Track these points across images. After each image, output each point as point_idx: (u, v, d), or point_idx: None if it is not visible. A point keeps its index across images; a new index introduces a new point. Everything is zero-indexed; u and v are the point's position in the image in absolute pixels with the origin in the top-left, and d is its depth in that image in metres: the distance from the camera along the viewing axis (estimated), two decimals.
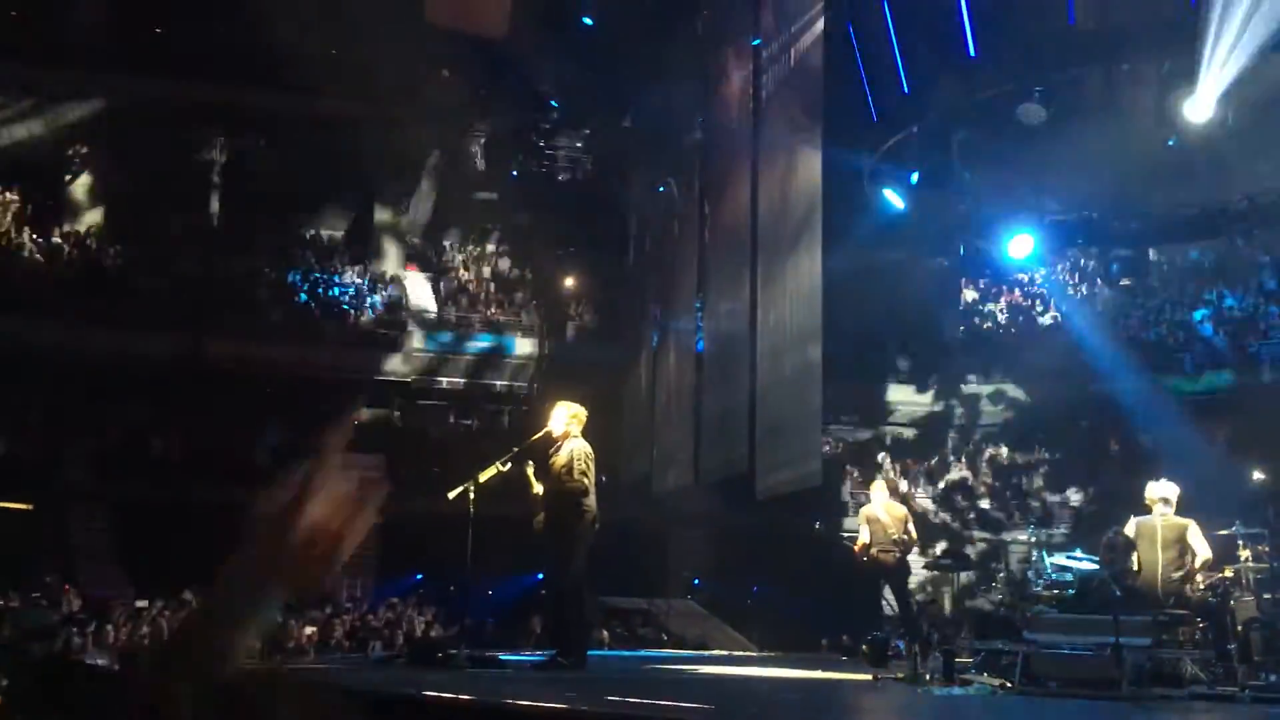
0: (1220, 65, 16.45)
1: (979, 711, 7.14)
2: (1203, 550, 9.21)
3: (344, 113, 22.78)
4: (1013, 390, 24.50)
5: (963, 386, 25.05)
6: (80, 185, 24.09)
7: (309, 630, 15.22)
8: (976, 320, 26.46)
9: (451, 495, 8.90)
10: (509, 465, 8.74)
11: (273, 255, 24.32)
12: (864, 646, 11.22)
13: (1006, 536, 21.25)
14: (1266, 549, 9.88)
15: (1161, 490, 9.54)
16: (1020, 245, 19.99)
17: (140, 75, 22.39)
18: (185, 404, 21.12)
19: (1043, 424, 24.17)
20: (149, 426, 20.95)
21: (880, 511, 11.70)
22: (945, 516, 22.54)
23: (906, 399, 25.30)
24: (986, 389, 24.80)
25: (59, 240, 22.66)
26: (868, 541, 11.54)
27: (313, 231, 25.82)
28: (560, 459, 8.83)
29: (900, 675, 9.76)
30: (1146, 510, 9.54)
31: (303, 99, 22.33)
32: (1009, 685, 8.51)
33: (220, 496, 18.10)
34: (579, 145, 26.40)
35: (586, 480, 8.75)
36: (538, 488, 8.86)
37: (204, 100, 22.76)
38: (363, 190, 25.66)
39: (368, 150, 23.27)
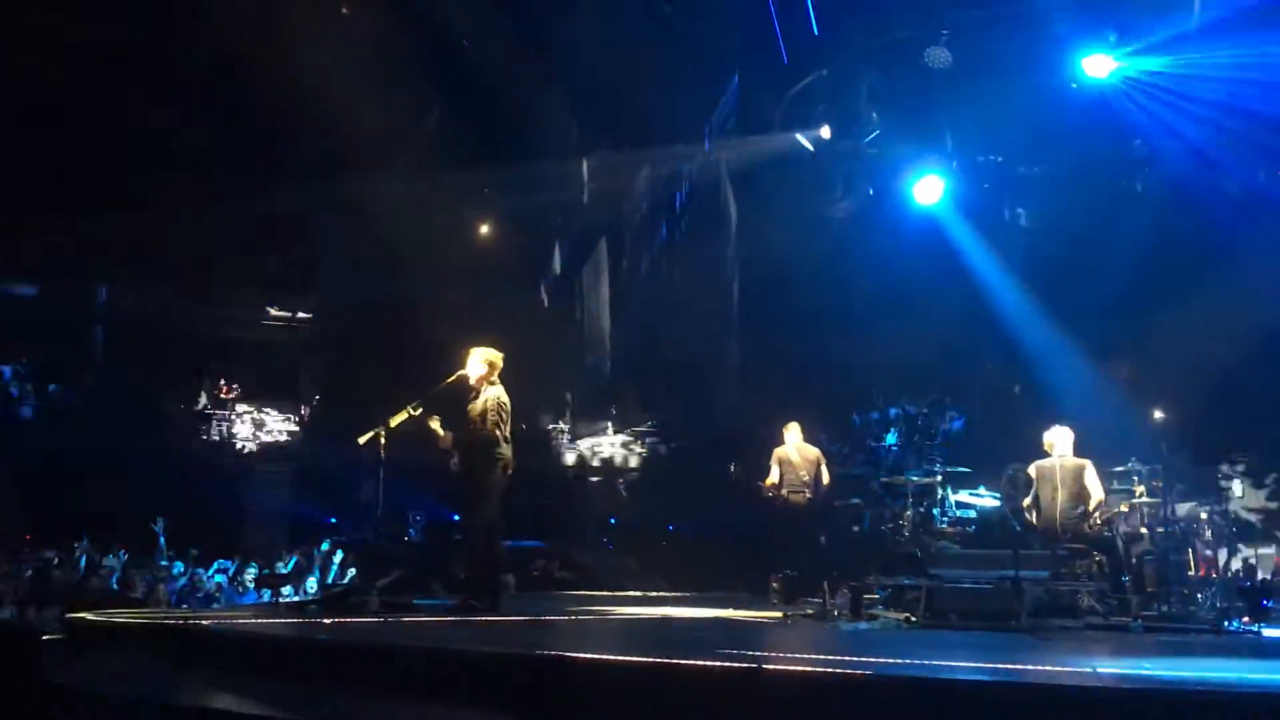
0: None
1: (884, 645, 7.32)
2: (1096, 490, 9.60)
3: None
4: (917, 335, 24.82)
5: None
6: None
7: (218, 578, 15.02)
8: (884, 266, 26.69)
9: (362, 440, 8.85)
10: (420, 409, 8.71)
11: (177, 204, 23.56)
12: (774, 585, 11.40)
13: (912, 475, 21.61)
14: (1160, 484, 10.27)
15: (1059, 434, 9.91)
16: (928, 189, 20.08)
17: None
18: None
19: (947, 366, 24.56)
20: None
21: (792, 452, 11.86)
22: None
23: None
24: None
25: None
26: (776, 481, 11.68)
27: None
28: (476, 406, 8.84)
29: (810, 612, 9.97)
30: (1046, 453, 9.90)
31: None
32: (913, 619, 8.75)
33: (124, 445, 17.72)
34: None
35: (499, 431, 8.78)
36: (445, 438, 8.89)
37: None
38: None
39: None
